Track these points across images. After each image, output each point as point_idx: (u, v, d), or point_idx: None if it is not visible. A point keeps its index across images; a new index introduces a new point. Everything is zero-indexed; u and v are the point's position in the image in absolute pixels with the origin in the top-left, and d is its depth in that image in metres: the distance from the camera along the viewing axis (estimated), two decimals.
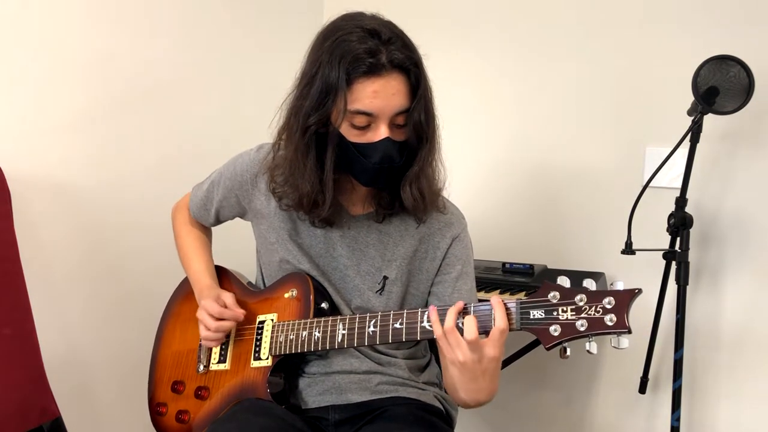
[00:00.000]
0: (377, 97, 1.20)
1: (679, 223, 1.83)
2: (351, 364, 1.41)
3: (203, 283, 1.49)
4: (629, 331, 1.05)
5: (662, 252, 1.90)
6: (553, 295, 1.10)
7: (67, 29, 1.79)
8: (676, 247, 1.85)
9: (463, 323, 1.14)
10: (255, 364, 1.39)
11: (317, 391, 1.40)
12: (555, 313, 1.09)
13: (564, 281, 1.11)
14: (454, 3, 2.37)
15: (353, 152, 1.26)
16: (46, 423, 1.58)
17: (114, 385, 1.96)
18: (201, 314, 1.41)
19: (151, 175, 2.03)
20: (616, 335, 1.07)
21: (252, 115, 2.31)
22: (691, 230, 1.84)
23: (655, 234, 1.92)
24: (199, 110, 2.17)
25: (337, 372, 1.41)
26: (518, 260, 2.12)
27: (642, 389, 2.12)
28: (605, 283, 2.10)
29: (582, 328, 1.06)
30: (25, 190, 1.69)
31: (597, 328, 1.06)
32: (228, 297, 1.42)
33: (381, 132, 1.23)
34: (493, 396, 1.25)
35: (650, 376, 2.10)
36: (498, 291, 1.92)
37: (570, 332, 1.07)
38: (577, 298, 1.08)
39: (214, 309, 1.39)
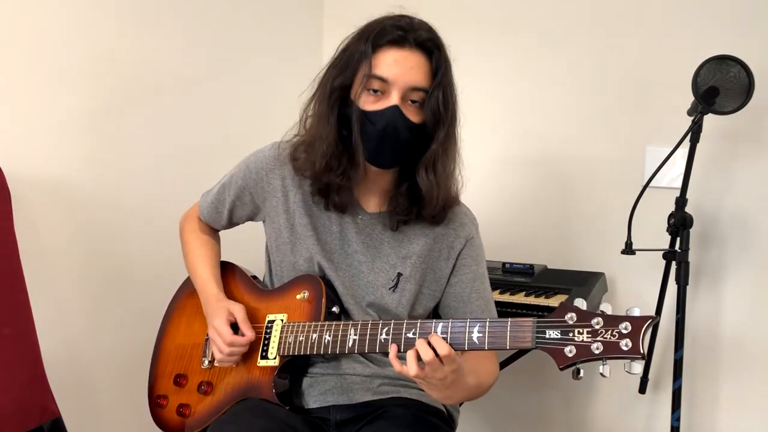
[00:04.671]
0: (396, 64, 1.28)
1: (679, 223, 1.83)
2: (355, 369, 1.41)
3: (209, 292, 1.48)
4: (643, 357, 1.05)
5: (662, 252, 1.90)
6: (570, 317, 1.10)
7: (67, 29, 1.79)
8: (676, 247, 1.85)
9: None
10: (262, 363, 1.38)
11: (320, 390, 1.40)
12: (571, 335, 1.09)
13: (581, 303, 1.12)
14: (460, 1, 2.37)
15: (364, 120, 1.30)
16: (46, 423, 1.58)
17: (114, 385, 1.96)
18: (213, 335, 1.40)
19: (152, 174, 2.02)
20: (629, 360, 1.07)
21: (252, 114, 2.31)
22: (691, 230, 1.84)
23: (655, 234, 1.92)
24: (199, 110, 2.16)
25: (340, 373, 1.41)
26: (518, 260, 2.12)
27: (642, 389, 2.12)
28: (605, 283, 2.10)
29: (597, 351, 1.07)
30: (25, 190, 1.68)
31: (612, 352, 1.06)
32: (238, 311, 1.40)
33: (392, 100, 1.28)
34: (469, 395, 1.31)
35: (650, 376, 2.10)
36: (498, 291, 1.92)
37: (585, 354, 1.08)
38: (594, 321, 1.08)
39: (226, 336, 1.37)
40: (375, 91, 1.29)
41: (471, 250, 1.44)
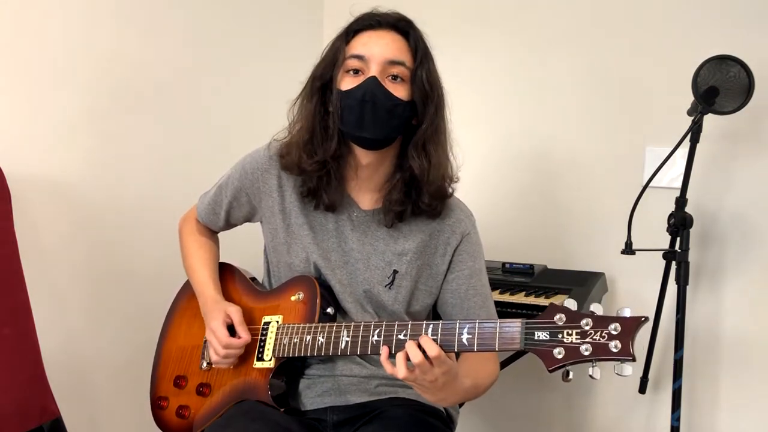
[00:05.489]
0: (370, 41, 1.33)
1: (679, 223, 1.83)
2: (351, 370, 1.41)
3: (207, 293, 1.48)
4: (633, 359, 1.04)
5: (662, 252, 1.90)
6: (559, 318, 1.08)
7: (67, 29, 1.79)
8: (676, 247, 1.85)
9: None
10: (258, 365, 1.39)
11: (316, 392, 1.40)
12: (560, 336, 1.08)
13: (571, 304, 1.10)
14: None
15: (344, 99, 1.32)
16: (46, 423, 1.58)
17: (114, 385, 1.96)
18: (210, 337, 1.40)
19: (152, 174, 2.03)
20: (619, 362, 1.06)
21: (252, 114, 2.31)
22: (691, 230, 1.84)
23: (655, 234, 1.92)
24: (199, 110, 2.17)
25: (337, 375, 1.41)
26: (518, 260, 2.12)
27: (642, 389, 2.12)
28: (605, 283, 2.10)
29: (586, 353, 1.05)
30: (25, 190, 1.69)
31: (601, 353, 1.05)
32: (234, 313, 1.40)
33: (369, 74, 1.31)
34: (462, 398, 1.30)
35: (650, 376, 2.10)
36: (498, 291, 1.92)
37: (574, 356, 1.06)
38: (583, 322, 1.07)
39: (222, 338, 1.37)
40: (355, 71, 1.32)
41: (467, 246, 1.43)
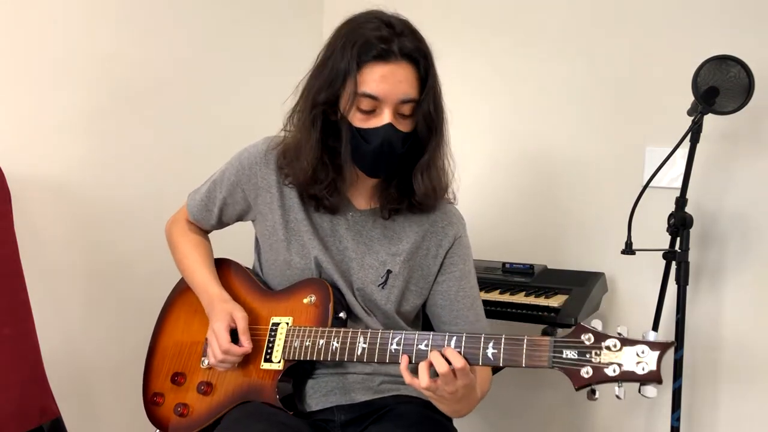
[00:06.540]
0: (384, 81, 1.26)
1: (679, 223, 1.83)
2: (355, 367, 1.41)
3: (212, 292, 1.45)
4: (660, 382, 1.04)
5: (662, 252, 1.90)
6: (587, 337, 1.09)
7: (67, 29, 1.79)
8: (676, 247, 1.85)
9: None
10: (265, 366, 1.37)
11: (321, 392, 1.40)
12: (588, 356, 1.08)
13: (597, 324, 1.11)
14: (454, 0, 2.37)
15: (357, 137, 1.30)
16: (46, 423, 1.58)
17: (114, 384, 1.96)
18: (211, 338, 1.38)
19: (151, 175, 2.03)
20: (645, 384, 1.06)
21: (252, 114, 2.31)
22: (691, 230, 1.84)
23: (655, 234, 1.92)
24: (199, 110, 2.17)
25: (341, 372, 1.41)
26: (518, 260, 2.12)
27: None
28: (605, 283, 2.10)
29: (613, 374, 1.06)
30: (25, 190, 1.69)
31: (629, 375, 1.05)
32: (241, 320, 1.37)
33: (384, 117, 1.28)
34: (473, 408, 1.30)
35: None
36: (498, 291, 1.92)
37: (601, 376, 1.06)
38: (611, 342, 1.07)
39: (223, 343, 1.35)
40: (366, 109, 1.28)
41: (459, 249, 1.45)
